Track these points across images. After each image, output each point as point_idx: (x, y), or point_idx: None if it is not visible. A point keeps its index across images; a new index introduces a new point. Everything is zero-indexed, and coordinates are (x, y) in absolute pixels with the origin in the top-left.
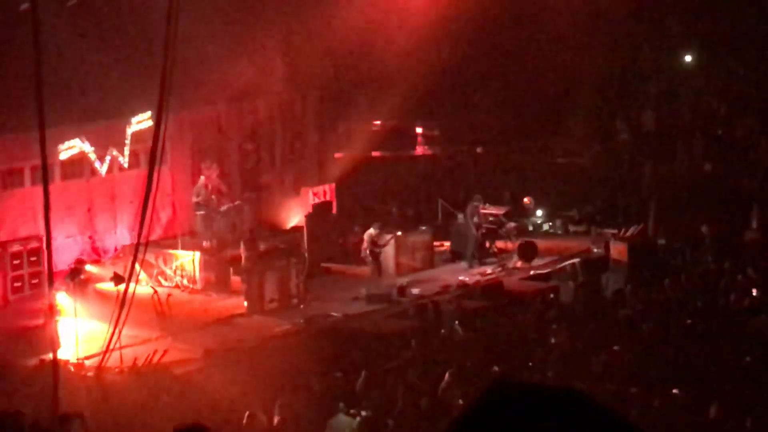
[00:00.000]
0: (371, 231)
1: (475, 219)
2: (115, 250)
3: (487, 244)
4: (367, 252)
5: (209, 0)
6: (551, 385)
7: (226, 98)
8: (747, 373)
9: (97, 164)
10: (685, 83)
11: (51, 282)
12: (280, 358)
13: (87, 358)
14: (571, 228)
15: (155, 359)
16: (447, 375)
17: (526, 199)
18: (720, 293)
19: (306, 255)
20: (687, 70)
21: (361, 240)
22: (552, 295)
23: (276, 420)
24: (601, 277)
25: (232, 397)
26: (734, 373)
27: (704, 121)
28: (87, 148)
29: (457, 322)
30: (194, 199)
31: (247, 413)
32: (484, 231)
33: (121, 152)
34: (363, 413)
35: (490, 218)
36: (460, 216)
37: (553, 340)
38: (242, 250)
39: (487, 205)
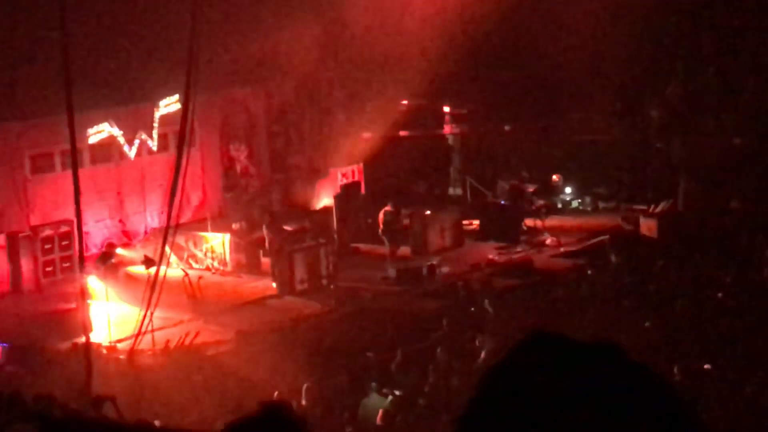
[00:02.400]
0: (386, 209)
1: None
2: (145, 233)
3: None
4: (380, 230)
5: None
6: (588, 340)
7: (254, 80)
8: None
9: (126, 148)
10: (713, 56)
11: (82, 266)
12: (311, 338)
13: (119, 341)
14: (601, 205)
15: (187, 341)
16: (483, 353)
17: (554, 177)
18: (751, 268)
19: (335, 235)
20: (714, 43)
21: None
22: (590, 272)
23: (304, 401)
24: (632, 254)
25: (264, 378)
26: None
27: (733, 94)
28: (116, 131)
29: (487, 300)
30: (224, 182)
31: (275, 393)
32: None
33: (150, 135)
34: (396, 392)
35: (520, 196)
36: (489, 194)
37: (584, 317)
38: (265, 233)
39: (516, 182)
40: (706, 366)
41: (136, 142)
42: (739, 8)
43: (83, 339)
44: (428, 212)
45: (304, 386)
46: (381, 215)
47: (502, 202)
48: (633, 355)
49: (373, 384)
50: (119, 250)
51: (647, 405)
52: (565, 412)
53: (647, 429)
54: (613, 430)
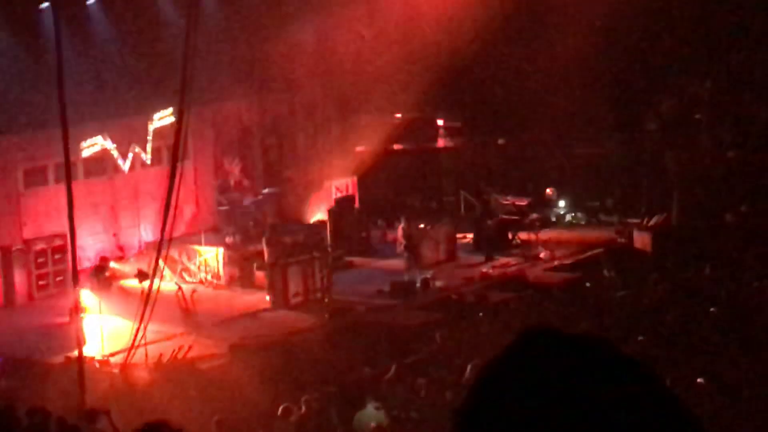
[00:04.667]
0: (403, 225)
1: (478, 213)
2: (139, 247)
3: (510, 236)
4: (402, 246)
5: None
6: (582, 334)
7: (248, 93)
8: None
9: (119, 161)
10: (707, 71)
11: (76, 279)
12: (305, 352)
13: (112, 354)
14: (594, 218)
15: (180, 355)
16: (469, 368)
17: (548, 190)
18: (745, 281)
19: (329, 249)
20: (708, 58)
21: (385, 233)
22: (588, 284)
23: (302, 412)
24: (625, 267)
25: (258, 392)
26: (760, 363)
27: (727, 107)
28: (109, 145)
29: (481, 314)
30: (218, 196)
31: (282, 406)
32: (495, 222)
33: (144, 149)
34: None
35: (513, 209)
36: (478, 208)
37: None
38: (264, 246)
39: (509, 196)
40: (699, 380)
41: (130, 155)
42: (734, 22)
43: (76, 352)
44: (422, 225)
45: (303, 398)
46: (399, 231)
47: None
48: (625, 352)
49: (369, 398)
50: (113, 264)
51: (638, 397)
52: (560, 404)
53: (639, 421)
54: (607, 421)
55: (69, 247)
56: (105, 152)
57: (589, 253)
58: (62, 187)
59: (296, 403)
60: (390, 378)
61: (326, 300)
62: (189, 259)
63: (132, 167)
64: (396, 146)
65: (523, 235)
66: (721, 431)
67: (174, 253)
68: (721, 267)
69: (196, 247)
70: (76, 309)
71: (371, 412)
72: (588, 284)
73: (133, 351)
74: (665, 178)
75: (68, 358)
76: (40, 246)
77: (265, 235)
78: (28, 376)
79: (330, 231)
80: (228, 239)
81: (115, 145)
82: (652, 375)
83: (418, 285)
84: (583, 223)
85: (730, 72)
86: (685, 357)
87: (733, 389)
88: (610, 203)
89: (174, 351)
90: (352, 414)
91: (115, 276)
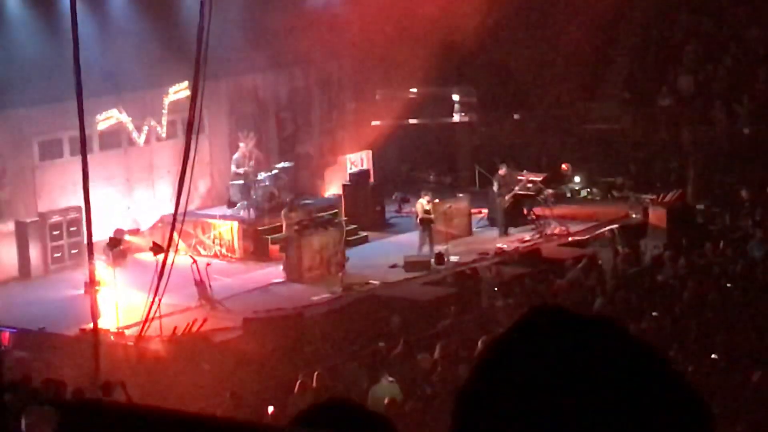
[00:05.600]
0: (423, 200)
1: (495, 187)
2: (154, 220)
3: (525, 211)
4: (418, 221)
5: None
6: (588, 314)
7: (264, 67)
8: None
9: (134, 134)
10: (723, 46)
11: (91, 252)
12: (318, 325)
13: (127, 327)
14: (609, 194)
15: (194, 328)
16: (479, 343)
17: (563, 166)
18: (759, 258)
19: (344, 223)
20: (725, 34)
21: (400, 208)
22: (602, 260)
23: (314, 386)
24: (640, 243)
25: (271, 365)
26: None
27: (744, 83)
28: (124, 118)
29: (495, 288)
30: (234, 169)
31: (299, 380)
32: (512, 199)
33: (159, 122)
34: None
35: (528, 185)
36: (495, 185)
37: (592, 306)
38: (284, 219)
39: (525, 171)
40: (713, 355)
41: (145, 128)
42: None
43: (91, 325)
44: (437, 200)
45: (315, 373)
46: (418, 206)
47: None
48: (631, 332)
49: (382, 372)
50: (127, 237)
51: (644, 377)
52: (564, 383)
53: (645, 400)
54: (611, 401)
55: (84, 220)
56: (120, 125)
57: (603, 229)
58: (77, 160)
59: (309, 377)
60: (402, 352)
61: (340, 274)
62: (203, 232)
63: (147, 141)
64: (411, 121)
65: (537, 211)
66: (735, 406)
67: (189, 226)
68: (736, 243)
69: (211, 220)
70: (91, 282)
71: (386, 386)
72: (602, 260)
73: (147, 324)
74: (681, 154)
75: (83, 331)
76: (55, 219)
77: (285, 208)
78: (43, 349)
79: (344, 205)
80: (243, 213)
81: (130, 119)
82: (659, 355)
83: (432, 260)
84: (598, 198)
85: (747, 47)
86: (700, 333)
87: (747, 365)
88: (625, 179)
89: (188, 324)
90: (368, 388)
91: (130, 249)
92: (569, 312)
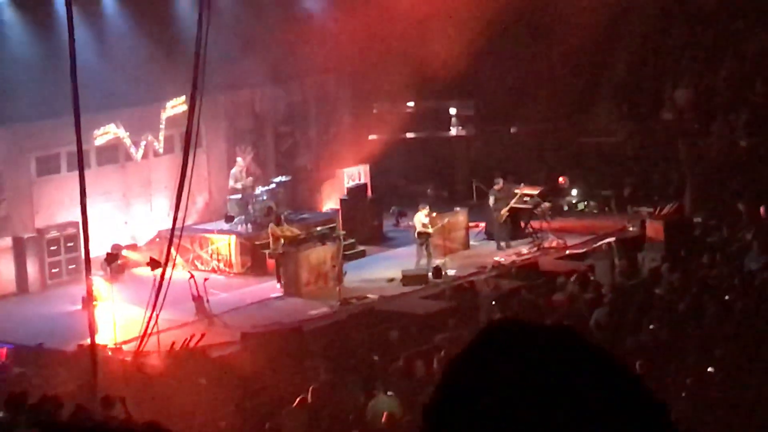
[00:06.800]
0: (421, 214)
1: (491, 201)
2: (151, 235)
3: (523, 224)
4: (416, 234)
5: None
6: (547, 325)
7: (261, 81)
8: None
9: (132, 149)
10: (720, 59)
11: (88, 267)
12: (316, 340)
13: (125, 342)
14: (607, 207)
15: (192, 343)
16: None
17: (561, 179)
18: (757, 270)
19: (341, 237)
20: (722, 46)
21: (397, 222)
22: (599, 273)
23: (309, 402)
24: (638, 256)
25: (269, 380)
26: None
27: (740, 96)
28: (122, 133)
29: (493, 302)
30: (231, 184)
31: (299, 398)
32: (509, 213)
33: (156, 137)
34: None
35: (526, 198)
36: (491, 198)
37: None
38: (270, 234)
39: (522, 184)
40: (709, 369)
41: (143, 143)
42: (747, 9)
43: (89, 340)
44: (435, 214)
45: (311, 387)
46: (416, 220)
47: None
48: (590, 341)
49: (381, 385)
50: (125, 252)
51: (603, 384)
52: (525, 394)
53: (604, 407)
54: (572, 409)
55: (81, 236)
56: (118, 140)
57: (601, 242)
58: (75, 175)
59: (306, 390)
60: (401, 367)
61: (338, 288)
62: (201, 247)
63: (144, 155)
64: (408, 134)
65: (535, 224)
66: (732, 419)
67: (186, 241)
68: (734, 256)
69: (208, 235)
70: (89, 297)
71: (385, 400)
72: (599, 273)
73: (145, 339)
74: (678, 167)
75: (81, 346)
76: (52, 234)
77: (272, 223)
78: (40, 364)
79: (342, 219)
80: (240, 227)
81: (127, 134)
82: (618, 364)
83: (430, 273)
84: (595, 211)
85: (744, 60)
86: (697, 346)
87: (744, 378)
88: (623, 192)
89: (186, 339)
90: (366, 402)
91: (128, 264)
92: (527, 325)
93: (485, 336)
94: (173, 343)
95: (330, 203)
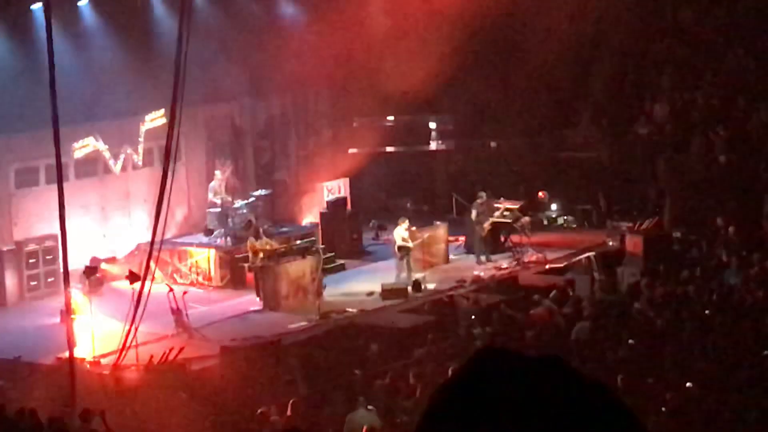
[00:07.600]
0: (401, 227)
1: (473, 215)
2: (130, 248)
3: (502, 239)
4: (396, 248)
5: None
6: (535, 354)
7: (241, 95)
8: (764, 367)
9: (111, 162)
10: (699, 75)
11: (67, 280)
12: (295, 353)
13: (103, 356)
14: (586, 222)
15: (171, 356)
16: (450, 371)
17: (540, 193)
18: (735, 286)
19: (321, 251)
20: (701, 61)
21: (377, 236)
22: (579, 288)
23: (288, 415)
24: (617, 271)
25: (248, 394)
26: (750, 367)
27: (719, 112)
28: (101, 146)
29: (473, 316)
30: (210, 197)
31: (259, 411)
32: (490, 227)
33: (135, 150)
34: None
35: (506, 213)
36: (473, 212)
37: (570, 334)
38: (249, 248)
39: (502, 199)
40: (688, 384)
41: (122, 156)
42: (727, 26)
43: (67, 354)
44: (414, 228)
45: (291, 401)
46: (395, 234)
47: (474, 220)
48: (578, 368)
49: (360, 399)
50: (104, 265)
51: (591, 413)
52: (513, 422)
53: None
54: None
55: (60, 248)
56: (97, 153)
57: (580, 257)
58: (53, 188)
59: (285, 404)
60: (382, 381)
61: (318, 302)
62: (180, 260)
63: (124, 168)
64: (388, 148)
65: (515, 238)
66: None
67: (165, 254)
68: (713, 271)
69: (187, 248)
70: (68, 310)
71: (363, 414)
72: (579, 287)
73: (124, 352)
74: (657, 182)
75: (59, 359)
76: (31, 247)
77: (251, 237)
78: (18, 377)
79: (322, 233)
80: (220, 240)
81: (107, 147)
82: (608, 392)
83: (410, 287)
84: (574, 226)
85: (723, 76)
86: (676, 361)
87: (723, 393)
88: (602, 207)
89: (165, 352)
90: (345, 415)
91: (106, 277)
92: (514, 353)
93: (472, 365)
94: (152, 357)
95: (309, 217)
